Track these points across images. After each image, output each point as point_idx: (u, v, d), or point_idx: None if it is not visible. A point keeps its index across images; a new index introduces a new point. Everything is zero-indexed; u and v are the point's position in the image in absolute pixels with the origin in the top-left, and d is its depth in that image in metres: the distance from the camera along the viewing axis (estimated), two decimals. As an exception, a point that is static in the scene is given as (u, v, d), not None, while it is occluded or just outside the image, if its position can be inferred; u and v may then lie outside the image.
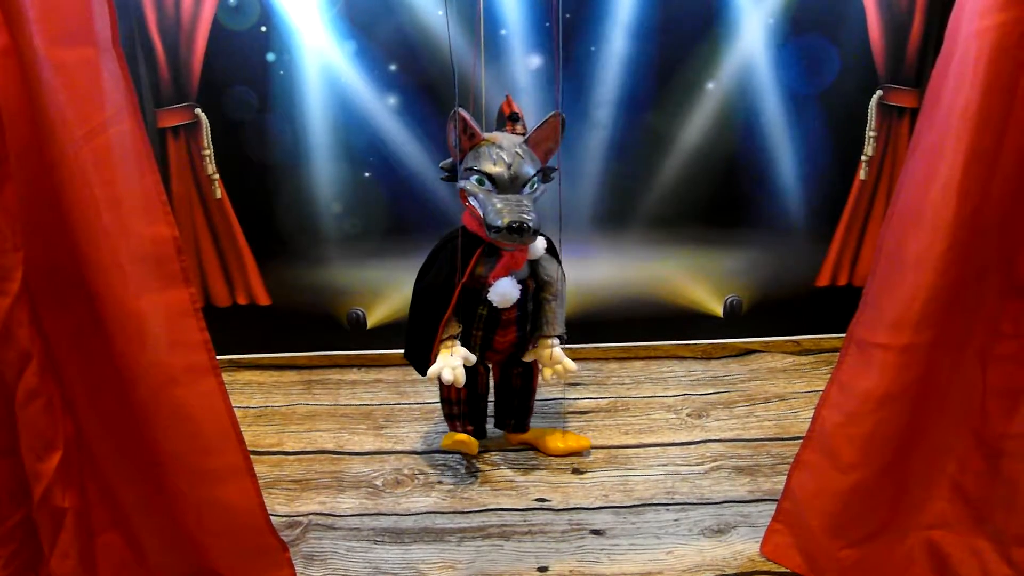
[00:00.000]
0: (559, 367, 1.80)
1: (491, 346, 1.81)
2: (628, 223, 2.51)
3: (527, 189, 1.65)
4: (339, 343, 2.61)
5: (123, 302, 1.24)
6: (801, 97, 2.39)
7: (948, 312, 1.33)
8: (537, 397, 2.03)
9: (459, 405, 1.93)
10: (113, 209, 1.21)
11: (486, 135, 1.67)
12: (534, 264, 1.78)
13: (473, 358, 1.72)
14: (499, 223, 1.55)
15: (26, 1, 1.09)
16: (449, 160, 1.74)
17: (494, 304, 1.71)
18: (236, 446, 1.41)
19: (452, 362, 1.68)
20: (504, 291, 1.70)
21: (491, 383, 2.01)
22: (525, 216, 1.55)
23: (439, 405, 1.98)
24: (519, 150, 1.64)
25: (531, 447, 2.05)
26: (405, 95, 2.34)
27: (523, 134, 1.71)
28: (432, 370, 1.68)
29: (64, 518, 1.34)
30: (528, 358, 1.87)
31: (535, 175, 1.66)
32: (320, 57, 2.30)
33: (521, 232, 1.55)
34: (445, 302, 1.70)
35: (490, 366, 1.96)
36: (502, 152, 1.62)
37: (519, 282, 1.73)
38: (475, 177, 1.63)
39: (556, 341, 1.82)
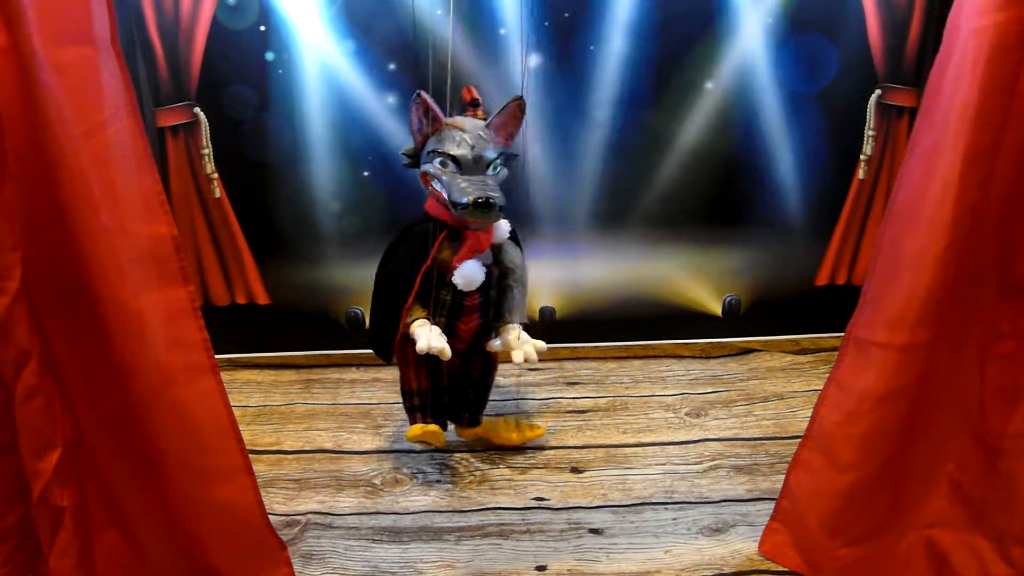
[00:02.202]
0: (528, 347, 1.73)
1: (455, 334, 1.78)
2: (627, 222, 2.51)
3: (490, 171, 1.67)
4: (338, 342, 2.61)
5: (122, 301, 1.24)
6: (800, 96, 2.39)
7: (946, 311, 1.33)
8: (492, 395, 2.01)
9: (421, 396, 1.88)
10: (112, 208, 1.21)
11: (447, 120, 1.69)
12: (497, 250, 1.78)
13: (445, 340, 1.68)
14: (465, 200, 1.57)
15: (25, 0, 1.09)
16: (411, 146, 1.75)
17: (459, 287, 1.71)
18: (235, 445, 1.41)
19: (434, 333, 1.65)
20: (469, 273, 1.70)
21: None
22: (491, 192, 1.58)
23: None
24: (482, 133, 1.67)
25: (485, 441, 2.02)
26: (404, 94, 2.33)
27: (484, 119, 1.73)
28: (421, 345, 1.62)
29: (63, 516, 1.34)
30: (494, 346, 1.80)
31: (497, 158, 1.68)
32: (319, 56, 2.30)
33: (487, 208, 1.56)
34: (408, 288, 1.70)
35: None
36: (465, 135, 1.65)
37: (483, 267, 1.73)
38: (439, 160, 1.65)
39: (519, 327, 1.77)
